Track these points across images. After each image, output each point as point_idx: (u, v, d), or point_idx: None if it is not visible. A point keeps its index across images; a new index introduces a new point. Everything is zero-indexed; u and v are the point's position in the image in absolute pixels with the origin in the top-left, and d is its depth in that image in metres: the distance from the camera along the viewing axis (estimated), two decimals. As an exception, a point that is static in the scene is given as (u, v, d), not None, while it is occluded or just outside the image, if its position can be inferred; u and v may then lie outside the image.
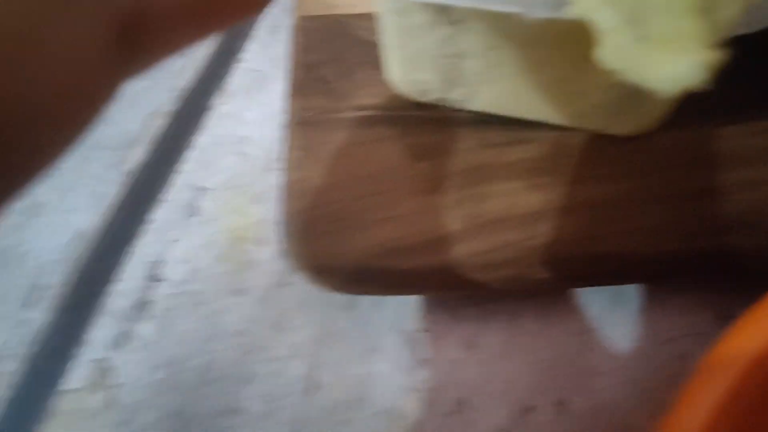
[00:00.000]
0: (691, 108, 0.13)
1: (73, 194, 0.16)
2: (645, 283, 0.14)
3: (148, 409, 0.13)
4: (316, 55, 0.17)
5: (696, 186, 0.13)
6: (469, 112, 0.14)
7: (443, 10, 0.12)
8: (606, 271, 0.12)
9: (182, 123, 0.18)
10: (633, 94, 0.12)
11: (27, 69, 0.06)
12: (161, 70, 0.19)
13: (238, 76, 0.19)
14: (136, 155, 0.17)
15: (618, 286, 0.14)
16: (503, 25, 0.11)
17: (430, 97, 0.15)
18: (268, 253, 0.15)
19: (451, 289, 0.13)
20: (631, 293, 0.14)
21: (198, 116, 0.18)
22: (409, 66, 0.14)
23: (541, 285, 0.13)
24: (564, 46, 0.11)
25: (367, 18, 0.18)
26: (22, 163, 0.06)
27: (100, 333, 0.14)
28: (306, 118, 0.15)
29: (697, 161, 0.14)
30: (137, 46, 0.07)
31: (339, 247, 0.13)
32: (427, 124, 0.15)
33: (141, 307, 0.14)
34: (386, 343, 0.13)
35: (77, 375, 0.13)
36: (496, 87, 0.13)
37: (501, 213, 0.13)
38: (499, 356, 0.13)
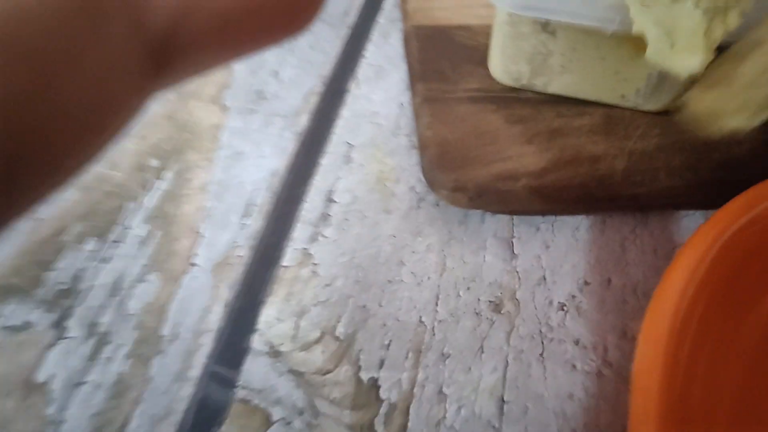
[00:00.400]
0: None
1: (262, 146, 0.23)
2: (660, 208, 0.20)
3: (339, 278, 0.19)
4: (430, 53, 0.24)
5: (702, 140, 0.20)
6: (548, 94, 0.21)
7: (544, 23, 0.19)
8: (642, 195, 0.19)
9: (330, 100, 0.25)
10: (659, 84, 0.19)
11: (64, 84, 0.06)
12: (309, 63, 0.26)
13: (363, 69, 0.26)
14: (302, 121, 0.24)
15: (642, 213, 0.20)
16: (584, 34, 0.18)
17: (520, 83, 0.21)
18: (403, 187, 0.22)
19: (539, 205, 0.20)
20: (652, 218, 0.20)
21: (341, 96, 0.25)
22: (508, 60, 0.21)
23: (595, 204, 0.19)
24: (620, 49, 0.18)
25: (464, 28, 0.25)
26: (58, 165, 0.06)
27: (299, 234, 0.20)
28: (430, 96, 0.22)
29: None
30: (169, 64, 0.07)
31: (465, 175, 0.19)
32: (518, 101, 0.21)
33: (324, 218, 0.21)
34: (490, 244, 0.20)
35: (289, 257, 0.20)
36: (570, 77, 0.20)
37: (572, 156, 0.20)
38: (564, 252, 0.20)
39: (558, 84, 0.21)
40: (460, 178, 0.19)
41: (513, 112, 0.21)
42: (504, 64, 0.21)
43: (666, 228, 0.20)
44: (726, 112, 0.15)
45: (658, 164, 0.19)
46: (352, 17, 0.28)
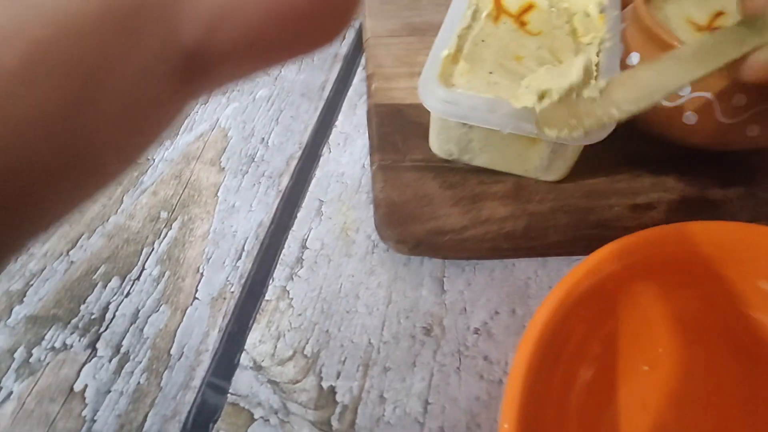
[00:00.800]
0: (580, 169, 0.26)
1: (251, 202, 0.29)
2: (554, 255, 0.27)
3: (308, 309, 0.25)
4: (386, 128, 0.30)
5: (583, 205, 0.26)
6: (473, 166, 0.28)
7: (464, 122, 0.25)
8: (537, 247, 0.25)
9: (307, 163, 0.31)
10: (550, 163, 0.26)
11: (102, 93, 0.06)
12: (291, 131, 0.32)
13: (335, 136, 0.32)
14: (284, 181, 0.30)
15: (540, 258, 0.27)
16: (493, 130, 0.25)
17: (452, 157, 0.28)
18: (361, 236, 0.28)
19: (462, 253, 0.26)
20: (551, 261, 0.27)
21: (315, 159, 0.31)
22: (442, 142, 0.27)
23: (504, 253, 0.26)
24: (519, 139, 0.25)
25: (414, 107, 0.31)
26: (100, 168, 0.07)
27: (279, 273, 0.26)
28: (384, 165, 0.28)
29: (587, 192, 0.27)
30: (201, 74, 0.07)
31: (406, 231, 0.26)
32: (451, 171, 0.28)
33: (299, 261, 0.27)
34: (426, 282, 0.26)
35: (270, 292, 0.26)
36: (487, 155, 0.27)
37: (486, 217, 0.26)
38: (482, 288, 0.26)
39: (479, 159, 0.27)
40: (403, 233, 0.25)
41: (446, 180, 0.27)
42: (439, 144, 0.28)
43: (560, 270, 0.27)
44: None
45: (549, 224, 0.25)
46: (327, 91, 0.35)
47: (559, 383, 0.21)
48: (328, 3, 0.08)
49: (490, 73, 0.26)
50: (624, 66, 0.27)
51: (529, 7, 0.30)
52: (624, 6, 0.29)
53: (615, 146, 0.27)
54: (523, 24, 0.29)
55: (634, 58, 0.27)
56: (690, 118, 0.25)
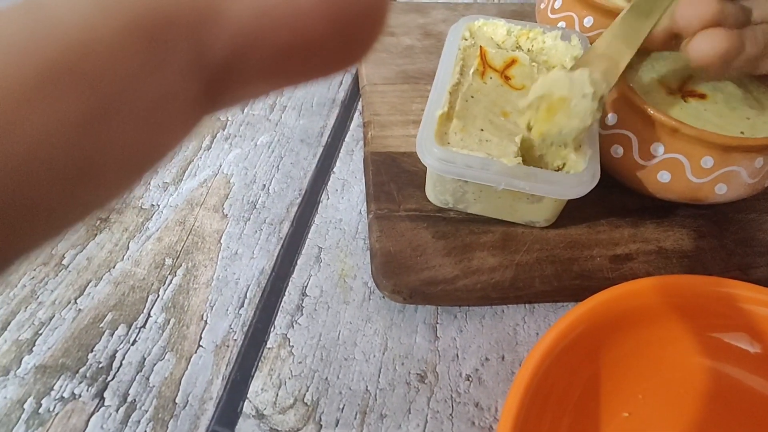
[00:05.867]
0: (565, 217, 0.28)
1: (253, 249, 0.30)
2: (543, 300, 0.28)
3: (308, 357, 0.26)
4: (382, 177, 0.32)
5: (566, 256, 0.28)
6: (464, 215, 0.29)
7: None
8: (524, 296, 0.27)
9: (306, 210, 0.32)
10: (541, 210, 0.28)
11: (122, 109, 0.06)
12: (291, 178, 0.34)
13: (333, 182, 0.34)
14: (285, 228, 0.31)
15: (527, 305, 0.28)
16: (485, 184, 0.27)
17: (447, 206, 0.29)
18: (359, 282, 0.29)
19: (454, 302, 0.27)
20: (538, 308, 0.28)
21: (314, 206, 0.32)
22: (438, 192, 0.29)
23: (493, 301, 0.27)
24: (510, 193, 0.27)
25: (409, 155, 0.33)
26: (113, 181, 0.07)
27: (279, 321, 0.27)
28: (380, 214, 0.30)
29: (570, 243, 0.29)
30: (223, 93, 0.08)
31: (401, 281, 0.27)
32: (444, 220, 0.29)
33: (299, 308, 0.28)
34: (420, 329, 0.28)
35: (272, 340, 0.27)
36: (481, 205, 0.28)
37: (477, 267, 0.27)
38: (473, 335, 0.27)
39: (473, 208, 0.29)
40: (398, 283, 0.27)
41: (439, 229, 0.29)
42: (435, 194, 0.29)
43: (547, 316, 0.28)
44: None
45: (535, 274, 0.27)
46: (325, 137, 0.37)
47: (547, 429, 0.22)
48: (359, 22, 0.07)
49: (482, 130, 0.28)
50: (604, 126, 0.29)
51: (512, 62, 0.32)
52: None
53: (597, 197, 0.29)
54: (507, 79, 0.31)
55: (611, 119, 0.29)
56: (664, 176, 0.27)
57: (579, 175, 0.25)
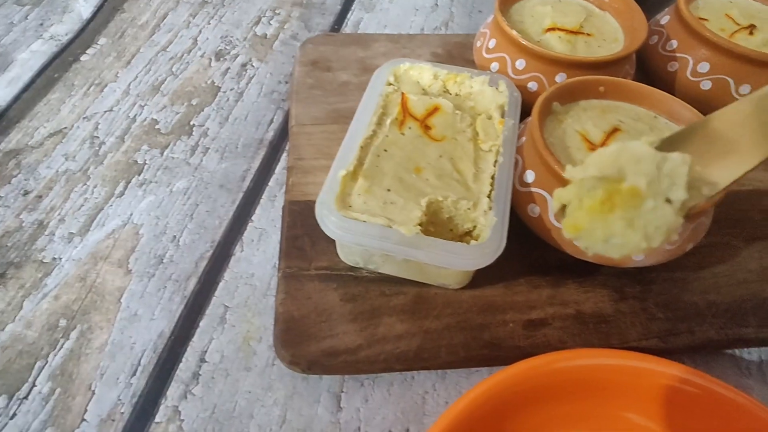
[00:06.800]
0: (482, 276, 0.26)
1: (154, 309, 0.29)
2: (450, 368, 0.27)
3: (199, 431, 0.25)
4: (297, 230, 0.30)
5: (478, 321, 0.27)
6: (377, 273, 0.28)
7: (354, 244, 0.25)
8: (430, 365, 0.26)
9: (216, 264, 0.31)
10: (452, 274, 0.26)
11: None
12: (204, 228, 0.32)
13: (249, 232, 0.32)
14: (191, 285, 0.30)
15: (440, 370, 0.27)
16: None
17: (358, 266, 0.28)
18: (263, 346, 0.28)
19: (357, 372, 0.26)
20: (449, 375, 0.27)
21: (226, 259, 0.31)
22: (347, 253, 0.28)
23: (399, 370, 0.26)
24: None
25: (327, 206, 0.31)
26: None
27: (172, 392, 0.26)
28: (288, 273, 0.28)
29: (484, 306, 0.27)
30: None
31: (300, 352, 0.25)
32: (354, 280, 0.28)
33: (195, 376, 0.26)
34: (323, 398, 0.26)
35: (161, 413, 0.25)
36: (390, 266, 0.27)
37: (382, 335, 0.26)
38: (379, 405, 0.26)
39: (384, 269, 0.28)
40: (296, 354, 0.25)
41: (348, 291, 0.28)
42: (344, 254, 0.28)
43: (459, 383, 0.27)
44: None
45: (442, 342, 0.26)
46: (247, 181, 0.35)
47: None
48: None
49: (388, 190, 0.26)
50: (522, 183, 0.28)
51: (434, 110, 0.31)
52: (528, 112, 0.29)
53: (518, 253, 0.28)
54: (427, 128, 0.30)
55: (530, 176, 0.28)
56: (578, 240, 0.26)
57: (481, 245, 0.24)
